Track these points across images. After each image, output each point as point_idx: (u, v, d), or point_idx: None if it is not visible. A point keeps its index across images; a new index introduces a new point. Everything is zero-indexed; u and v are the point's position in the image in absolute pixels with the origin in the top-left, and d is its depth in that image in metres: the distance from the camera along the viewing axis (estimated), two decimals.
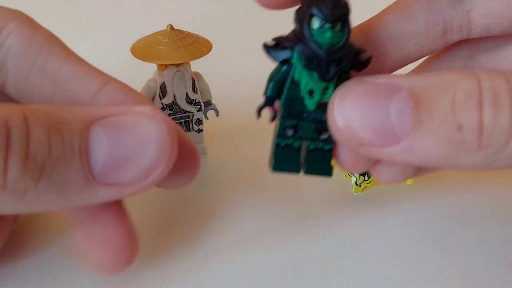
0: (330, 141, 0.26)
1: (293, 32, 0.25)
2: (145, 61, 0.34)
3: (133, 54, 0.35)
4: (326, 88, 0.25)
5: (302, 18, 0.24)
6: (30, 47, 0.24)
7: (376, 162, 0.27)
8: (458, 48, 0.31)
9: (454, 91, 0.22)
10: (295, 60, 0.25)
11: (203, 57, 0.35)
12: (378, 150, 0.23)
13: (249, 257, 0.30)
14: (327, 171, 0.27)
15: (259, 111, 0.26)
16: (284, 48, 0.25)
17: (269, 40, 0.25)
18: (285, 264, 0.30)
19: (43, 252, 0.30)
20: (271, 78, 0.25)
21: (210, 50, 0.35)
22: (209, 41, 0.36)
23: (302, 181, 0.31)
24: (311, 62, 0.24)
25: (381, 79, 0.23)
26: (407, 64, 0.29)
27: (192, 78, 0.36)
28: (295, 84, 0.25)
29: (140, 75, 0.36)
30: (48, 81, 0.25)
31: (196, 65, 0.37)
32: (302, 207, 0.34)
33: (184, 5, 0.57)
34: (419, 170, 0.29)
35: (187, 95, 0.37)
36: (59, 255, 0.29)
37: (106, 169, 0.22)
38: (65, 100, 0.25)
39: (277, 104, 0.26)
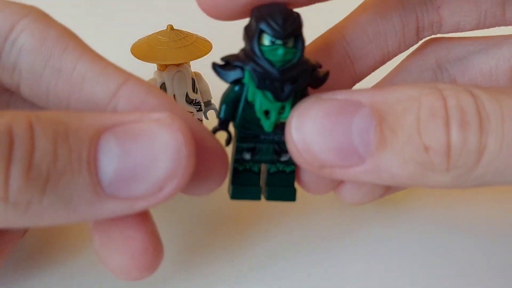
0: (292, 162, 0.25)
1: (243, 50, 0.24)
2: (145, 61, 0.34)
3: (133, 54, 0.34)
4: (282, 108, 0.24)
5: (251, 35, 0.23)
6: (43, 45, 0.23)
7: (341, 183, 0.26)
8: (426, 56, 0.31)
9: (418, 108, 0.21)
10: (246, 80, 0.23)
11: (203, 57, 0.34)
12: (342, 171, 0.22)
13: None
14: (290, 196, 0.26)
15: (213, 134, 0.25)
16: (235, 67, 0.23)
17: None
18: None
19: (62, 257, 0.29)
20: (223, 99, 0.24)
21: (210, 50, 0.35)
22: (209, 41, 0.36)
23: None
24: (264, 82, 0.23)
25: (340, 95, 0.22)
26: (386, 62, 0.30)
27: (192, 78, 0.36)
28: (249, 105, 0.24)
29: (140, 75, 0.36)
30: (63, 81, 0.23)
31: (196, 65, 0.37)
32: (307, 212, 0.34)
33: (184, 5, 0.57)
34: (388, 190, 0.28)
35: (187, 95, 0.36)
36: (81, 260, 0.29)
37: (116, 181, 0.21)
38: (81, 101, 0.23)
39: (232, 126, 0.24)
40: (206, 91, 0.37)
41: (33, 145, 0.19)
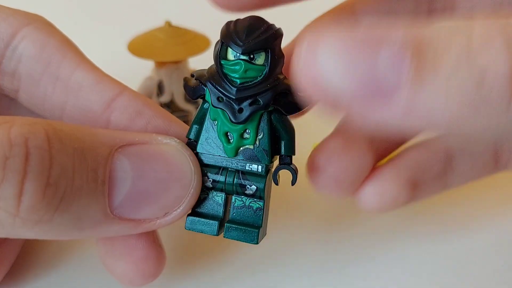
0: (259, 197, 0.22)
1: (210, 67, 0.22)
2: (142, 58, 0.34)
3: (130, 51, 0.34)
4: (246, 132, 0.21)
5: (215, 50, 0.21)
6: (42, 52, 0.23)
7: (362, 183, 0.25)
8: None
9: (471, 30, 0.16)
10: (207, 97, 0.21)
11: (202, 54, 0.34)
12: (363, 110, 0.17)
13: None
14: (250, 237, 0.22)
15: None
16: (199, 83, 0.22)
17: None
18: None
19: (67, 263, 0.29)
20: (195, 117, 0.23)
21: (209, 47, 0.35)
22: (207, 38, 0.35)
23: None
24: (221, 100, 0.21)
25: (360, 29, 0.17)
26: None
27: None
28: (212, 126, 0.22)
29: (137, 72, 0.36)
30: (60, 88, 0.23)
31: (194, 63, 0.36)
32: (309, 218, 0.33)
33: (182, 1, 0.57)
34: (413, 195, 0.26)
35: (185, 93, 0.36)
36: (83, 267, 0.28)
37: (126, 203, 0.20)
38: (77, 109, 0.23)
39: None
40: None
41: (51, 160, 0.18)
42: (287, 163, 0.22)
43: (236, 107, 0.21)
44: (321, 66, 0.17)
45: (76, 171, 0.19)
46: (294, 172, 0.22)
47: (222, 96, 0.21)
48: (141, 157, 0.21)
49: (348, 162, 0.24)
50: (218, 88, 0.21)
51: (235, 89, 0.21)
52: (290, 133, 0.22)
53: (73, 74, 0.23)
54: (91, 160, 0.20)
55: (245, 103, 0.21)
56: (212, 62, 0.22)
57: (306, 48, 0.17)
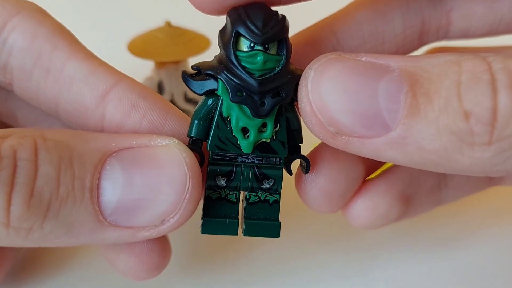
0: (275, 190, 0.22)
1: (218, 57, 0.21)
2: (142, 58, 0.34)
3: (130, 51, 0.34)
4: (264, 125, 0.20)
5: (226, 39, 0.20)
6: (33, 44, 0.22)
7: (351, 200, 0.24)
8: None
9: (459, 71, 0.18)
10: (220, 91, 0.20)
11: (202, 54, 0.34)
12: (360, 142, 0.19)
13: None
14: (272, 231, 0.22)
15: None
16: (207, 77, 0.20)
17: None
18: None
19: (71, 258, 0.28)
20: (195, 114, 0.21)
21: (209, 47, 0.35)
22: (207, 38, 0.35)
23: None
24: (240, 95, 0.20)
25: (365, 57, 0.19)
26: None
27: None
28: (225, 121, 0.20)
29: (137, 72, 0.36)
30: (52, 81, 0.22)
31: (194, 63, 0.36)
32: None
33: (182, 1, 0.57)
34: (405, 212, 0.25)
35: (185, 93, 0.36)
36: (89, 261, 0.28)
37: (118, 210, 0.20)
38: (70, 103, 0.22)
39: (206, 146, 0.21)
40: None
41: (36, 171, 0.19)
42: (298, 152, 0.22)
43: (258, 100, 0.20)
44: (324, 94, 0.19)
45: (61, 180, 0.19)
46: (308, 160, 0.22)
47: (242, 89, 0.20)
48: (134, 162, 0.20)
49: (338, 172, 0.23)
50: (237, 81, 0.20)
51: (257, 82, 0.20)
52: (299, 122, 0.22)
53: (65, 66, 0.22)
54: (79, 168, 0.19)
55: (267, 96, 0.20)
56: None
57: (312, 77, 0.19)
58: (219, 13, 0.21)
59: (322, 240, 0.31)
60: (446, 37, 0.26)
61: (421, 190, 0.26)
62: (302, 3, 0.23)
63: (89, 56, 0.23)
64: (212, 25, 0.36)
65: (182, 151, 0.20)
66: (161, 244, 0.23)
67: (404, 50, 0.26)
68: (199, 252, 0.29)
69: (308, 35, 0.25)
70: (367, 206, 0.24)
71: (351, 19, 0.24)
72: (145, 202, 0.20)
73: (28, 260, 0.28)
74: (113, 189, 0.20)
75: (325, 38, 0.24)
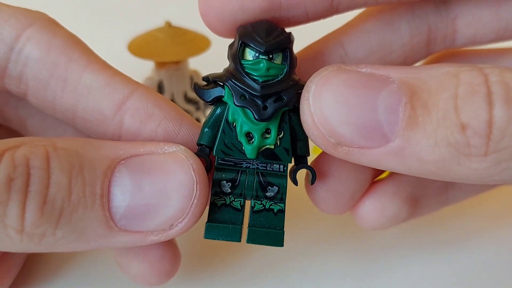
0: (280, 198, 0.22)
1: (226, 68, 0.22)
2: (143, 58, 0.34)
3: (130, 51, 0.34)
4: (268, 132, 0.21)
5: (234, 50, 0.21)
6: (48, 55, 0.23)
7: (359, 200, 0.24)
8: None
9: (456, 84, 0.18)
10: (226, 97, 0.21)
11: (202, 54, 0.34)
12: (361, 153, 0.20)
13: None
14: (275, 239, 0.22)
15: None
16: (215, 85, 0.21)
17: None
18: None
19: (82, 264, 0.28)
20: (205, 122, 0.22)
21: (209, 47, 0.35)
22: (207, 38, 0.35)
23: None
24: (244, 99, 0.21)
25: (365, 68, 0.20)
26: None
27: (190, 76, 0.36)
28: (230, 127, 0.21)
29: (137, 72, 0.36)
30: (69, 91, 0.23)
31: (194, 63, 0.36)
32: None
33: (182, 1, 0.56)
34: (412, 214, 0.25)
35: (185, 93, 0.36)
36: (100, 267, 0.28)
37: (128, 216, 0.21)
38: (88, 112, 0.23)
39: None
40: None
41: (49, 179, 0.19)
42: (304, 162, 0.22)
43: (261, 104, 0.21)
44: (325, 107, 0.19)
45: (73, 188, 0.20)
46: (314, 171, 0.22)
47: (245, 93, 0.21)
48: (142, 168, 0.21)
49: (348, 174, 0.24)
50: (241, 86, 0.21)
51: (259, 86, 0.21)
52: (305, 133, 0.22)
53: (82, 76, 0.23)
54: (89, 175, 0.20)
55: (270, 100, 0.21)
56: (214, 62, 0.22)
57: (313, 90, 0.19)
58: (232, 34, 0.22)
59: (323, 243, 0.31)
60: (453, 45, 0.26)
61: (428, 191, 0.26)
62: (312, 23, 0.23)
63: (105, 66, 0.23)
64: None
65: (189, 158, 0.21)
66: (172, 250, 0.24)
67: (412, 59, 0.26)
68: (201, 254, 0.30)
69: (316, 48, 0.25)
70: (376, 207, 0.24)
71: (358, 30, 0.25)
72: (154, 207, 0.21)
73: (30, 260, 0.28)
74: (122, 195, 0.20)
75: (332, 50, 0.25)
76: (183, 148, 0.21)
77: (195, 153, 0.22)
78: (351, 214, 0.25)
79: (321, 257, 0.30)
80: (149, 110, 0.23)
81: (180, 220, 0.21)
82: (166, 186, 0.21)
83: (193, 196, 0.21)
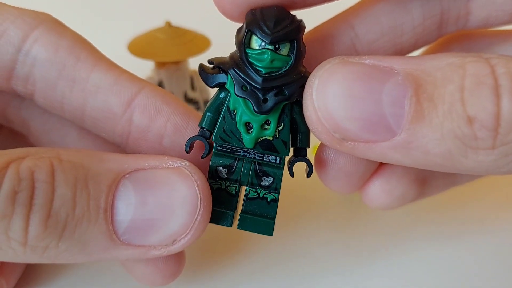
0: (274, 189, 0.22)
1: (231, 54, 0.21)
2: (143, 58, 0.34)
3: (130, 51, 0.34)
4: (267, 123, 0.21)
5: (240, 37, 0.21)
6: (56, 55, 0.23)
7: (368, 180, 0.24)
8: (449, 51, 0.28)
9: (462, 76, 0.18)
10: (228, 85, 0.21)
11: (202, 55, 0.34)
12: (366, 147, 0.19)
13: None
14: (265, 228, 0.22)
15: (188, 143, 0.22)
16: (220, 71, 0.21)
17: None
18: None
19: (87, 264, 0.28)
20: (208, 107, 0.22)
21: (209, 47, 0.35)
22: (207, 38, 0.35)
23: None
24: (245, 89, 0.20)
25: (369, 60, 0.19)
26: None
27: (190, 76, 0.36)
28: (231, 115, 0.21)
29: (137, 72, 0.35)
30: (78, 90, 0.23)
31: (194, 63, 0.36)
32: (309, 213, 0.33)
33: (182, 1, 0.56)
34: (420, 194, 0.25)
35: (186, 93, 0.36)
36: (105, 267, 0.28)
37: (131, 230, 0.21)
38: (96, 110, 0.23)
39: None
40: (205, 90, 0.37)
41: (53, 192, 0.19)
42: (303, 155, 0.22)
43: (261, 96, 0.20)
44: (329, 102, 0.19)
45: (77, 201, 0.20)
46: (312, 164, 0.22)
47: (247, 84, 0.20)
48: (146, 183, 0.21)
49: None
50: (243, 76, 0.20)
51: (261, 78, 0.20)
52: (307, 125, 0.22)
53: (90, 76, 0.23)
54: (94, 188, 0.20)
55: (270, 94, 0.20)
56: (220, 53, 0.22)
57: (317, 84, 0.19)
58: (242, 18, 0.22)
59: (323, 243, 0.31)
60: (465, 26, 0.26)
61: (436, 172, 0.26)
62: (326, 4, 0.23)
63: (112, 65, 0.24)
64: (212, 26, 0.36)
65: (194, 174, 0.21)
66: (178, 252, 0.24)
67: (423, 41, 0.25)
68: (201, 254, 0.30)
69: (325, 29, 0.25)
70: (384, 188, 0.24)
71: (369, 11, 0.24)
72: (157, 223, 0.21)
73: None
74: (126, 209, 0.20)
75: (342, 32, 0.24)
76: (188, 163, 0.21)
77: (196, 136, 0.22)
78: (359, 194, 0.25)
79: (321, 257, 0.30)
80: (158, 106, 0.23)
81: (183, 236, 0.21)
82: (170, 202, 0.21)
83: (197, 213, 0.21)
